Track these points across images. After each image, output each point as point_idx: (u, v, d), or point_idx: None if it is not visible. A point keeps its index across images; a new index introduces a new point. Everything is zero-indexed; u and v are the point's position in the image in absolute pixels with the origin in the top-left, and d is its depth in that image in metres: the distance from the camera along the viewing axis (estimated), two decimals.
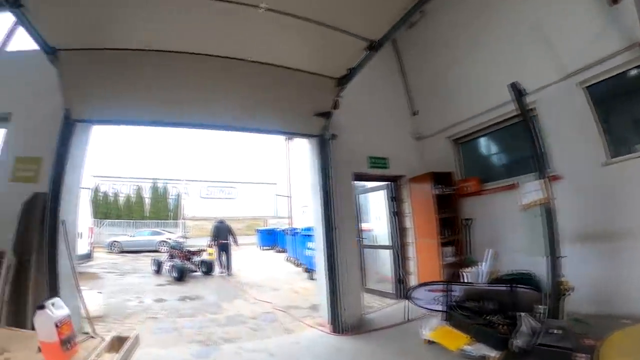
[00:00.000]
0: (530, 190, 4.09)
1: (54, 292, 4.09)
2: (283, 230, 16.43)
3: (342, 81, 4.78)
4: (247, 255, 15.68)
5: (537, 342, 3.07)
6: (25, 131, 4.61)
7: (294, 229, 11.11)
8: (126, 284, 8.61)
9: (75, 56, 3.86)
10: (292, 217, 16.71)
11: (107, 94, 4.26)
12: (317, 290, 5.43)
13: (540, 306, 3.85)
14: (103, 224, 26.77)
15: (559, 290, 3.73)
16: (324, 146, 5.31)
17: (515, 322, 3.56)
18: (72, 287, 4.47)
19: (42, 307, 1.73)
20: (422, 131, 7.00)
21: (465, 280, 4.93)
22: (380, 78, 6.56)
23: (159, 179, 32.94)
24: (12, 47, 5.14)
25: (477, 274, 4.99)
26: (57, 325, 1.68)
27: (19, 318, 3.98)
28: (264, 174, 47.27)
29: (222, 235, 10.55)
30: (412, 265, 6.45)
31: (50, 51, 3.75)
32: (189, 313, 5.94)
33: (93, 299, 5.68)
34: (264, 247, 18.29)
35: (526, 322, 3.45)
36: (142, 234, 19.73)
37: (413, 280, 6.26)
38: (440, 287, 4.82)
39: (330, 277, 4.93)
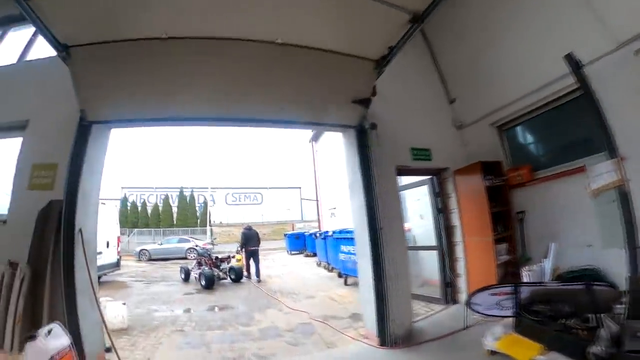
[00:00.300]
0: (601, 172, 3.55)
1: (71, 304, 3.70)
2: (312, 234, 15.89)
3: (381, 62, 4.14)
4: (276, 260, 15.26)
5: (624, 348, 2.62)
6: (42, 137, 4.37)
7: (325, 232, 10.52)
8: (153, 293, 8.26)
9: (87, 52, 3.49)
10: (320, 221, 16.10)
11: (123, 91, 3.88)
12: (361, 298, 4.80)
13: (619, 306, 3.25)
14: (132, 233, 27.19)
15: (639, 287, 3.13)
16: (363, 138, 4.71)
17: (594, 326, 3.06)
18: (91, 299, 4.02)
19: (33, 337, 1.27)
20: (462, 119, 6.28)
21: (527, 280, 4.33)
22: (410, 66, 5.82)
23: (185, 188, 33.20)
24: (30, 56, 5.14)
25: (540, 273, 4.40)
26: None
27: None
28: (289, 178, 47.28)
29: (251, 242, 10.30)
30: (460, 267, 5.72)
31: (61, 49, 3.41)
32: (218, 325, 5.43)
33: (117, 311, 5.28)
34: (293, 252, 17.79)
35: (608, 325, 2.90)
36: (170, 242, 19.69)
37: (462, 283, 5.62)
38: (506, 289, 4.11)
39: (377, 284, 4.28)
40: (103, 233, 9.66)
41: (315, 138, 16.91)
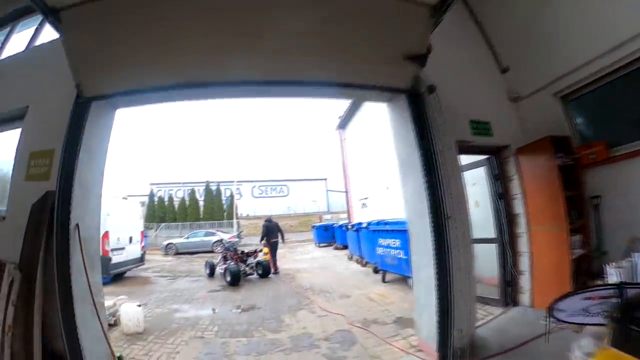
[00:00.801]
0: None
1: (67, 313, 3.09)
2: (342, 226, 15.10)
3: (440, 7, 3.16)
4: (304, 253, 14.60)
5: None
6: (40, 123, 3.82)
7: (359, 223, 9.69)
8: (176, 290, 7.73)
9: (81, 13, 2.87)
10: (350, 212, 15.27)
11: (125, 56, 3.19)
12: (416, 301, 3.96)
13: None
14: (159, 227, 27.39)
15: None
16: (419, 104, 3.78)
17: None
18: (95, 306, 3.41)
19: None
20: (518, 90, 5.26)
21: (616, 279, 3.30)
22: (453, 32, 4.81)
23: (212, 182, 33.18)
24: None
25: (631, 270, 3.42)
26: None
27: (27, 346, 3.06)
28: (314, 170, 46.65)
29: (273, 234, 9.99)
30: (524, 262, 4.76)
31: (50, 12, 2.83)
32: (243, 330, 4.73)
33: (132, 314, 4.70)
34: (321, 244, 17.12)
35: None
36: (197, 235, 19.46)
37: (525, 282, 4.69)
38: (604, 292, 3.16)
39: (440, 285, 3.38)
40: (126, 228, 9.30)
41: (342, 125, 16.02)
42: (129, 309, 4.73)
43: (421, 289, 3.77)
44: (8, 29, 4.91)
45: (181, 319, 5.33)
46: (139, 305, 4.82)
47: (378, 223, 7.68)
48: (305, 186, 46.94)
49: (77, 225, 3.20)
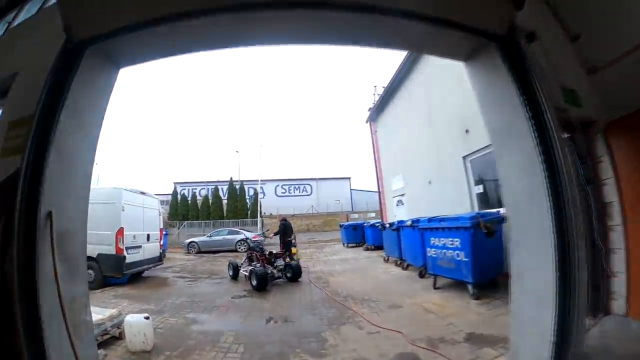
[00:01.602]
0: None
1: (32, 333, 2.12)
2: (374, 225, 13.93)
3: None
4: (332, 253, 13.52)
5: None
6: (25, 87, 2.85)
7: (400, 221, 8.51)
8: (195, 294, 6.80)
9: None
10: (383, 210, 14.06)
11: None
12: (515, 315, 2.82)
13: None
14: (182, 225, 27.03)
15: None
16: (518, 56, 2.75)
17: None
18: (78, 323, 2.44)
19: None
20: (595, 59, 4.04)
21: None
22: None
23: (235, 181, 32.68)
24: None
25: None
26: None
27: None
28: (338, 168, 45.91)
29: (288, 233, 9.66)
30: (618, 262, 3.71)
31: None
32: (276, 351, 3.70)
33: (138, 328, 3.75)
34: (349, 244, 15.99)
35: None
36: (220, 234, 18.71)
37: (620, 286, 3.66)
38: None
39: (561, 295, 2.30)
40: (144, 225, 8.51)
41: (373, 117, 14.85)
42: (134, 322, 3.79)
43: (525, 300, 2.69)
44: None
45: (199, 334, 4.36)
46: (147, 318, 3.86)
47: (430, 220, 6.49)
48: (328, 185, 46.08)
49: (50, 213, 2.22)
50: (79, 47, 2.44)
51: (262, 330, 4.45)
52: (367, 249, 13.89)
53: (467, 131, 7.87)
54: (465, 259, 5.45)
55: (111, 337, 4.04)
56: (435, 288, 6.17)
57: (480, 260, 5.40)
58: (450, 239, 5.82)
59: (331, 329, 4.39)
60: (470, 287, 5.38)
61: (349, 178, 48.62)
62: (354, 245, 15.77)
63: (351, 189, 47.59)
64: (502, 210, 6.55)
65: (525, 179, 2.67)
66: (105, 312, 4.22)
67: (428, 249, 6.40)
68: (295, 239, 8.39)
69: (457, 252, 5.63)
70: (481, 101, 3.31)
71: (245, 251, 8.56)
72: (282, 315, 5.10)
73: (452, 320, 4.43)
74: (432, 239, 6.28)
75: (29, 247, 2.13)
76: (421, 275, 7.17)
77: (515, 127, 2.76)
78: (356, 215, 34.77)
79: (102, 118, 2.82)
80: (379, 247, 13.38)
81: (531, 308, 2.58)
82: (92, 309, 4.45)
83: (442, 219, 6.16)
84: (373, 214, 33.03)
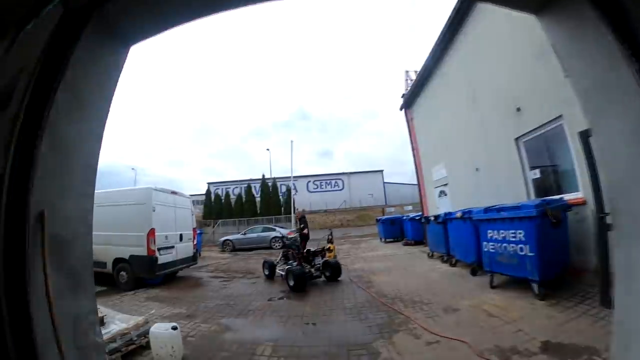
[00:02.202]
0: None
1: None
2: (414, 218, 13.15)
3: None
4: (370, 249, 12.87)
5: None
6: (14, 60, 2.41)
7: (449, 213, 7.72)
8: (230, 296, 6.41)
9: None
10: (424, 202, 13.19)
11: None
12: (619, 323, 2.10)
13: None
14: (217, 224, 27.24)
15: None
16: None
17: None
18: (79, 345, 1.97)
19: None
20: None
21: None
22: None
23: (268, 178, 32.65)
24: None
25: None
26: None
27: None
28: (371, 161, 44.98)
29: (305, 225, 9.43)
30: None
31: None
32: None
33: (164, 339, 3.32)
34: (387, 239, 15.28)
35: None
36: (254, 231, 18.53)
37: None
38: None
39: None
40: (176, 225, 8.26)
41: (408, 104, 13.96)
42: (159, 334, 3.37)
43: (635, 305, 1.97)
44: None
45: (233, 343, 3.90)
46: (175, 328, 3.43)
47: (487, 210, 5.71)
48: (360, 179, 45.28)
49: (42, 213, 1.77)
50: (83, 15, 1.96)
51: (304, 340, 3.92)
52: (406, 244, 13.15)
53: (518, 109, 6.95)
54: (531, 254, 4.70)
55: (137, 347, 3.67)
56: (492, 287, 5.41)
57: (547, 255, 4.67)
58: (512, 231, 5.04)
59: (383, 339, 3.78)
60: (535, 285, 4.62)
61: (382, 171, 47.56)
62: (392, 240, 15.08)
63: (384, 182, 46.51)
64: (565, 197, 5.73)
65: (634, 150, 1.95)
66: (131, 321, 3.86)
67: (484, 243, 5.63)
68: (332, 235, 7.80)
69: (521, 245, 4.87)
70: (564, 58, 2.63)
71: (281, 248, 8.06)
72: (325, 320, 4.56)
73: (521, 325, 3.73)
74: (490, 231, 5.50)
75: (18, 256, 1.68)
76: (473, 273, 6.43)
77: (615, 85, 2.04)
78: (392, 209, 33.74)
79: (109, 102, 2.34)
80: (420, 242, 12.64)
81: None
82: (117, 316, 4.12)
83: (500, 209, 5.36)
84: (410, 207, 31.90)
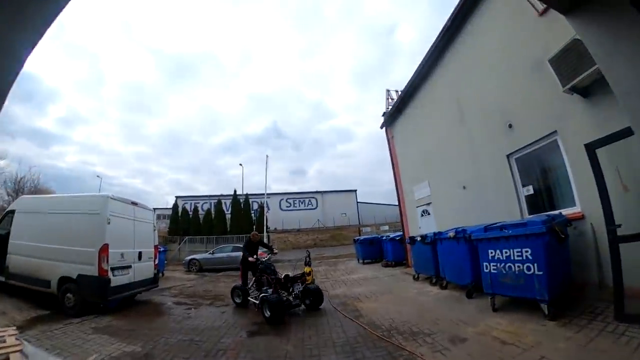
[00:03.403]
0: None
1: None
2: (394, 238, 12.59)
3: None
4: (349, 272, 12.13)
5: None
6: None
7: (440, 233, 7.11)
8: (194, 329, 5.42)
9: None
10: (405, 222, 12.65)
11: None
12: None
13: None
14: (183, 241, 25.58)
15: None
16: None
17: None
18: None
19: None
20: None
21: None
22: None
23: (240, 195, 31.46)
24: None
25: None
26: None
27: None
28: (344, 181, 44.83)
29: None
30: None
31: None
32: None
33: None
34: (365, 260, 14.59)
35: None
36: (223, 251, 17.30)
37: None
38: None
39: None
40: (135, 242, 7.22)
41: (389, 122, 13.64)
42: None
43: None
44: None
45: None
46: None
47: (487, 229, 5.19)
48: (334, 198, 44.97)
49: None
50: None
51: None
52: (386, 265, 12.55)
53: (510, 126, 6.71)
54: (539, 272, 4.33)
55: None
56: (494, 310, 4.91)
57: (555, 273, 4.37)
58: (518, 250, 4.61)
59: None
60: (545, 306, 4.21)
61: (355, 190, 47.44)
62: (371, 261, 14.42)
63: (357, 202, 46.33)
64: (562, 212, 5.51)
65: None
66: None
67: (485, 263, 5.11)
68: (310, 257, 6.95)
69: (528, 264, 4.47)
70: (601, 58, 2.45)
71: (256, 274, 7.08)
72: None
73: (541, 351, 3.27)
74: (491, 251, 5.00)
75: None
76: (469, 295, 5.98)
77: None
78: (369, 229, 33.32)
79: (29, 46, 1.59)
80: (400, 263, 12.09)
81: None
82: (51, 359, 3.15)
83: (503, 226, 4.88)
84: (387, 227, 31.58)
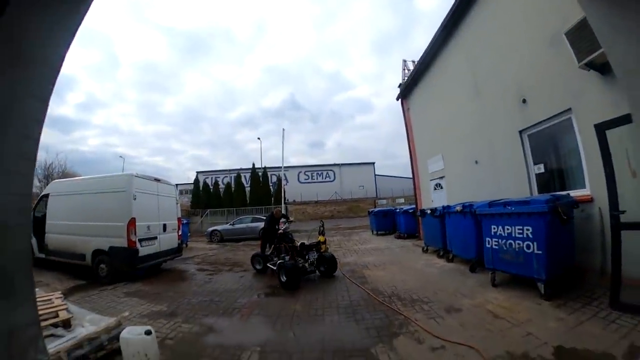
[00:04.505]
0: None
1: None
2: (407, 211, 12.86)
3: None
4: (361, 242, 12.55)
5: None
6: None
7: (448, 207, 7.34)
8: (214, 292, 6.00)
9: None
10: (418, 195, 12.85)
11: None
12: None
13: None
14: (205, 214, 26.64)
15: None
16: None
17: None
18: None
19: None
20: None
21: None
22: None
23: (258, 168, 32.09)
24: None
25: None
26: None
27: None
28: (362, 153, 44.82)
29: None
30: None
31: None
32: None
33: (137, 346, 2.90)
34: (379, 232, 15.00)
35: None
36: (243, 222, 18.05)
37: None
38: None
39: None
40: (159, 215, 7.77)
41: (405, 94, 13.54)
42: (132, 340, 2.95)
43: None
44: None
45: (216, 348, 3.50)
46: (148, 333, 3.01)
47: (491, 204, 5.38)
48: (352, 171, 45.06)
49: None
50: None
51: (295, 345, 3.52)
52: (399, 237, 12.90)
53: (524, 101, 6.59)
54: (538, 252, 4.43)
55: (108, 352, 3.24)
56: (494, 285, 5.14)
57: (555, 253, 4.42)
58: (519, 227, 4.74)
59: (382, 343, 3.43)
60: (541, 285, 4.36)
61: (373, 163, 47.39)
62: (384, 232, 14.82)
63: (375, 175, 46.34)
64: (571, 193, 5.43)
65: None
66: (101, 322, 3.42)
67: (487, 239, 5.31)
68: (323, 227, 7.34)
69: (528, 242, 4.59)
70: (604, 35, 2.29)
71: (259, 237, 7.56)
72: (318, 321, 4.18)
73: (530, 328, 3.45)
74: (494, 227, 5.18)
75: None
76: (472, 269, 6.19)
77: None
78: (384, 201, 33.63)
79: (60, 59, 1.88)
80: (413, 235, 12.39)
81: None
82: (87, 316, 3.67)
83: (507, 203, 5.03)
84: (402, 199, 31.78)
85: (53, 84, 1.78)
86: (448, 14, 9.03)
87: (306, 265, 6.57)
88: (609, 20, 2.15)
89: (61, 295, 4.35)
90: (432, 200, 11.39)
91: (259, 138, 61.78)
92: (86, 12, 1.88)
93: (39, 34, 1.69)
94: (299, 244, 6.94)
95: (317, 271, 6.72)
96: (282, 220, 8.16)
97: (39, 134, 1.78)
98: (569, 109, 5.52)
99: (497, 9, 7.33)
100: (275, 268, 6.63)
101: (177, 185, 9.48)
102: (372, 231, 15.74)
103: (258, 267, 7.62)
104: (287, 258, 6.55)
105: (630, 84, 2.11)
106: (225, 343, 3.63)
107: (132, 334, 3.00)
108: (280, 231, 7.41)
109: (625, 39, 2.06)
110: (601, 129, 4.13)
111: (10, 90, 1.58)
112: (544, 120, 6.14)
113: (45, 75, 1.76)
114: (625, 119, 3.72)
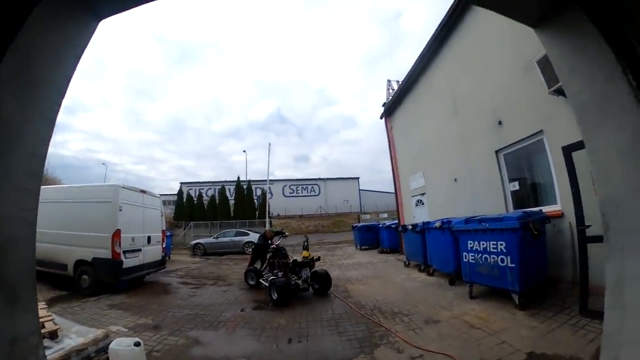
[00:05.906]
0: None
1: None
2: (390, 226, 13.11)
3: None
4: (345, 257, 12.70)
5: None
6: None
7: (427, 223, 7.62)
8: (199, 305, 6.03)
9: None
10: (401, 211, 13.14)
11: None
12: (610, 333, 2.05)
13: None
14: (188, 226, 26.36)
15: None
16: (611, 15, 2.08)
17: None
18: None
19: None
20: None
21: None
22: None
23: (243, 181, 32.03)
24: None
25: None
26: None
27: None
28: (347, 169, 45.38)
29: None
30: None
31: None
32: None
33: (123, 358, 2.99)
34: (363, 247, 15.20)
35: None
36: (227, 235, 17.98)
37: None
38: None
39: None
40: (144, 227, 7.77)
41: (389, 112, 13.99)
42: (121, 351, 3.02)
43: (627, 317, 1.97)
44: None
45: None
46: (137, 344, 3.09)
47: (467, 221, 5.66)
48: (337, 185, 45.45)
49: None
50: None
51: (279, 356, 3.65)
52: (382, 252, 13.12)
53: (500, 123, 7.01)
54: (512, 265, 4.71)
55: None
56: (471, 297, 5.38)
57: (527, 266, 4.69)
58: (494, 242, 5.03)
59: (364, 353, 3.59)
60: (516, 296, 4.63)
61: (358, 178, 47.90)
62: (368, 247, 15.03)
63: (360, 189, 46.81)
64: (543, 209, 5.79)
65: (629, 165, 1.92)
66: (89, 334, 3.47)
67: (464, 253, 5.58)
68: (307, 242, 7.39)
69: (502, 257, 4.87)
70: (562, 72, 2.56)
71: (267, 258, 7.48)
72: (301, 334, 4.30)
73: (504, 337, 3.68)
74: (470, 242, 5.46)
75: None
76: (451, 283, 6.44)
77: (612, 101, 2.02)
78: (368, 216, 33.92)
79: (66, 82, 2.04)
80: (395, 250, 12.62)
81: (635, 327, 1.87)
82: (74, 328, 3.71)
83: (482, 220, 5.32)
84: (385, 214, 32.15)
85: (59, 105, 1.93)
86: (430, 38, 9.51)
87: (299, 282, 6.47)
88: (567, 61, 2.44)
89: (45, 306, 4.35)
90: (414, 216, 11.70)
91: (244, 150, 61.86)
92: (93, 33, 2.06)
93: (49, 57, 1.85)
94: (291, 260, 6.81)
95: (310, 288, 6.59)
96: (276, 237, 8.23)
97: (46, 152, 1.92)
98: (541, 131, 5.91)
99: (476, 35, 7.77)
100: (267, 284, 6.50)
101: (160, 195, 9.47)
102: (356, 246, 15.92)
103: (251, 282, 7.49)
104: (280, 274, 6.54)
105: (583, 114, 2.39)
106: (211, 355, 3.72)
107: (122, 346, 3.07)
108: (273, 246, 7.44)
109: (582, 78, 2.35)
110: (568, 151, 4.44)
111: (21, 112, 1.72)
112: (518, 141, 6.55)
113: (53, 97, 1.92)
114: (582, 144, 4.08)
